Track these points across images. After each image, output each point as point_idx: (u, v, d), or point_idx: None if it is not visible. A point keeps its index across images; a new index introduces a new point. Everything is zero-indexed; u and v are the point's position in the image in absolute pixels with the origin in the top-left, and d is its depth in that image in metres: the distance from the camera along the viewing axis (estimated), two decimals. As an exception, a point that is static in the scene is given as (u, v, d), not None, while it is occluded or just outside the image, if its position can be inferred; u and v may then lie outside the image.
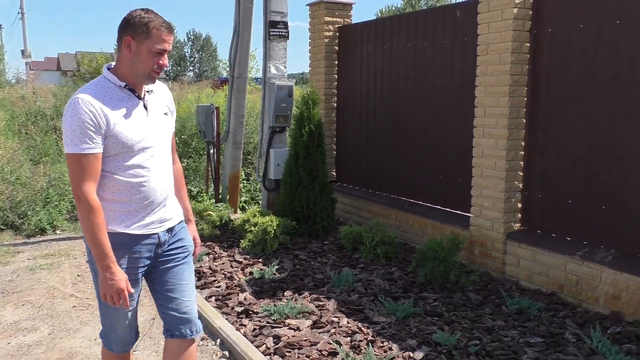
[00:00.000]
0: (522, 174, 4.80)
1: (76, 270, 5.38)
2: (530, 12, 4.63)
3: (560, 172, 4.52)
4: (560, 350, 3.48)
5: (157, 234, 2.41)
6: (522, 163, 4.79)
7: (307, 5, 7.37)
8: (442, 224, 5.44)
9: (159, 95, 2.47)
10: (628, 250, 4.08)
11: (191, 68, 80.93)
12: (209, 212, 6.35)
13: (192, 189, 8.50)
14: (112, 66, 2.35)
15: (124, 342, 2.57)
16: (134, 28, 2.24)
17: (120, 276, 2.25)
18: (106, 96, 2.25)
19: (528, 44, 4.66)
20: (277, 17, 6.72)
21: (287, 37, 6.82)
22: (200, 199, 7.68)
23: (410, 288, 4.60)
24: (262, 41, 6.83)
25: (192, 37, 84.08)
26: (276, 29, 6.74)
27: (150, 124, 2.36)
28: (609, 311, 3.98)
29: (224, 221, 6.40)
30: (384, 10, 43.29)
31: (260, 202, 7.65)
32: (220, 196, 7.83)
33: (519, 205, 4.84)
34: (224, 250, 5.63)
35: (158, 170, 2.37)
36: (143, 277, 2.50)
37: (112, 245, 2.26)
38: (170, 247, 2.50)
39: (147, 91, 2.40)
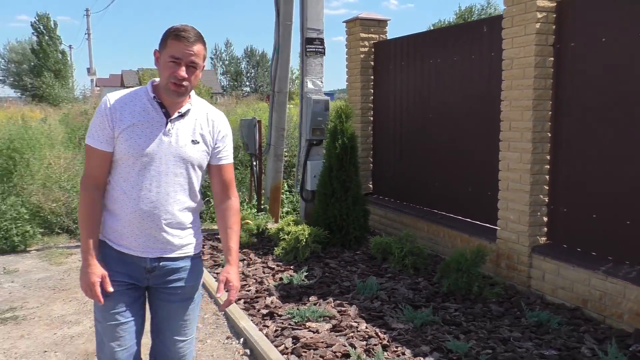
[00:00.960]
0: (547, 187, 4.83)
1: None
2: (554, 27, 4.69)
3: (585, 186, 4.53)
4: (573, 362, 3.52)
5: (145, 258, 2.30)
6: (547, 177, 4.82)
7: (343, 22, 7.61)
8: (471, 237, 5.51)
9: (197, 121, 2.32)
10: (651, 265, 4.06)
11: (247, 83, 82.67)
12: (247, 220, 6.62)
13: (236, 199, 8.80)
14: (156, 82, 2.32)
15: None
16: (160, 41, 2.23)
17: (95, 270, 2.21)
18: (131, 102, 2.24)
19: (552, 58, 4.72)
20: (314, 34, 6.98)
21: (324, 53, 7.06)
22: (241, 209, 7.98)
23: (434, 298, 4.70)
24: (299, 57, 7.10)
25: (249, 53, 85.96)
26: (312, 46, 6.99)
27: (164, 145, 2.24)
28: (633, 328, 3.96)
29: (260, 229, 6.66)
30: (436, 24, 43.20)
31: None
32: (262, 206, 8.11)
33: (545, 219, 4.87)
34: (258, 257, 5.88)
35: (155, 193, 2.23)
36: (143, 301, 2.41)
37: (103, 254, 2.28)
38: (166, 284, 2.36)
39: (180, 113, 2.28)
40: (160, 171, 2.24)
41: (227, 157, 2.43)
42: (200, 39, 2.20)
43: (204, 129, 2.33)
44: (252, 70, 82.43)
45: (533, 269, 4.80)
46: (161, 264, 2.32)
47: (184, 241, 2.36)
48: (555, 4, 4.70)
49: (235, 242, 2.46)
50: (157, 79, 2.31)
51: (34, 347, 3.97)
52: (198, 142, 2.30)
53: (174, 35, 2.16)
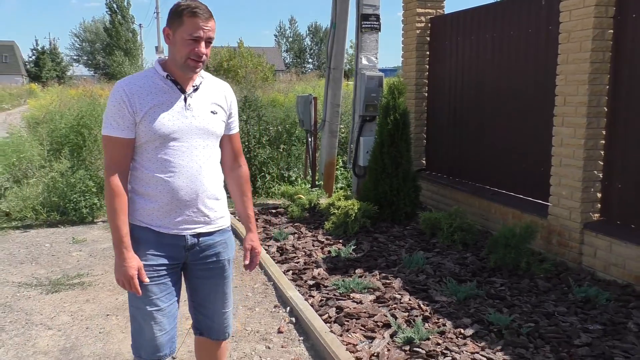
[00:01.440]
0: (602, 163, 4.72)
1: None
2: (614, -2, 4.53)
3: (641, 161, 4.40)
4: (618, 338, 3.48)
5: (185, 235, 2.33)
6: (602, 152, 4.70)
7: (400, -3, 7.55)
8: (522, 213, 5.45)
9: (211, 92, 2.38)
10: None
11: (310, 60, 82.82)
12: (300, 195, 6.78)
13: (292, 174, 9.00)
14: (163, 59, 2.34)
15: (152, 349, 2.34)
16: (171, 18, 2.22)
17: (132, 263, 2.21)
18: (145, 84, 2.24)
19: (611, 31, 4.56)
20: (369, 10, 6.97)
21: (379, 30, 7.05)
22: (296, 184, 8.15)
23: (480, 273, 4.71)
24: (355, 33, 7.12)
25: (312, 30, 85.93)
26: (368, 22, 6.99)
27: (187, 119, 2.27)
28: (684, 305, 3.87)
29: (312, 204, 6.80)
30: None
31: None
32: (316, 182, 8.25)
33: (599, 195, 4.76)
34: (309, 231, 6.03)
35: (188, 168, 2.27)
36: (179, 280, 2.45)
37: (138, 239, 2.28)
38: (204, 259, 2.42)
39: (194, 86, 2.32)
40: (190, 146, 2.27)
41: (236, 126, 2.52)
42: (211, 14, 2.24)
43: (219, 99, 2.40)
44: (316, 47, 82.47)
45: (584, 246, 4.72)
46: (200, 239, 2.37)
47: (219, 214, 2.42)
48: (616, -27, 4.53)
49: (252, 209, 2.62)
50: (164, 57, 2.36)
51: (97, 310, 4.28)
52: (216, 113, 2.36)
53: (190, 13, 2.17)
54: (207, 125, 2.32)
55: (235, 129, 2.52)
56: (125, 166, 2.25)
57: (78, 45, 69.97)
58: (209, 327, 2.55)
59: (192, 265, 2.43)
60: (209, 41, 2.23)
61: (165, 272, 2.33)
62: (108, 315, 4.19)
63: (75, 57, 70.66)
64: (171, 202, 2.27)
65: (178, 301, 2.44)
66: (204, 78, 2.38)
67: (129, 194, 2.28)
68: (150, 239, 2.29)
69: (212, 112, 2.35)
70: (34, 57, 64.18)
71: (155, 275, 2.30)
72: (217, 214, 2.41)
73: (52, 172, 6.99)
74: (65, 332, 3.90)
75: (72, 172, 6.92)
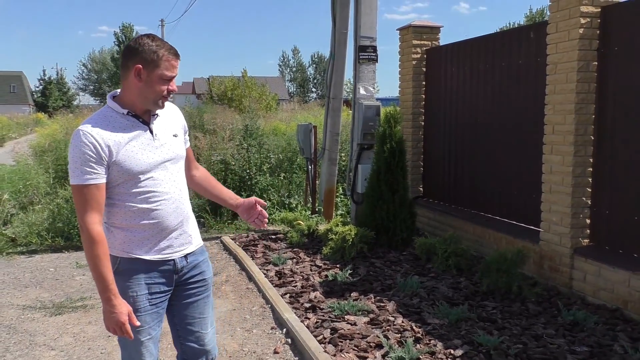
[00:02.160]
0: (589, 190, 4.86)
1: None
2: (598, 32, 4.73)
3: (627, 188, 4.54)
4: (603, 360, 3.59)
5: (174, 259, 2.38)
6: (590, 179, 4.86)
7: (397, 29, 7.80)
8: (515, 238, 5.58)
9: (167, 117, 2.44)
10: (691, 267, 4.05)
11: (313, 89, 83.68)
12: (299, 221, 6.92)
13: (293, 202, 9.15)
14: (117, 94, 2.34)
15: None
16: (142, 57, 2.22)
17: (121, 309, 2.19)
18: (108, 125, 2.23)
19: (595, 63, 4.76)
20: (367, 42, 7.21)
21: (376, 61, 7.28)
22: (296, 211, 8.31)
23: (473, 297, 4.82)
24: (352, 64, 7.35)
25: (316, 60, 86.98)
26: (365, 53, 7.23)
27: (158, 150, 2.32)
28: (670, 328, 3.98)
29: (311, 230, 6.94)
30: (504, 27, 42.36)
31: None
32: (316, 209, 8.41)
33: (587, 221, 4.90)
34: (307, 256, 6.17)
35: (171, 193, 2.33)
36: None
37: (127, 271, 2.28)
38: (190, 279, 2.48)
39: (154, 115, 2.36)
40: (167, 173, 2.33)
41: (187, 140, 2.61)
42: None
43: (174, 121, 2.47)
44: (319, 77, 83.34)
45: (575, 270, 4.84)
46: (188, 259, 2.44)
47: (196, 232, 2.53)
48: (599, 10, 4.74)
49: (224, 188, 2.76)
50: (117, 92, 2.36)
51: (100, 332, 4.41)
52: (177, 135, 2.43)
53: (167, 56, 2.24)
54: (175, 149, 2.39)
55: (188, 142, 2.59)
56: (101, 211, 2.21)
57: (86, 76, 71.06)
58: (196, 353, 2.55)
59: (181, 288, 2.46)
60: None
61: (158, 300, 2.37)
62: (109, 336, 4.30)
63: (82, 87, 71.69)
64: (160, 229, 2.31)
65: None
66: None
67: (108, 228, 2.29)
68: (139, 269, 2.31)
69: (173, 135, 2.42)
70: (41, 86, 65.12)
71: (148, 304, 2.33)
72: (196, 232, 2.52)
73: (57, 198, 7.18)
74: (68, 352, 4.02)
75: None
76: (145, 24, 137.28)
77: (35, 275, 5.88)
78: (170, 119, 2.46)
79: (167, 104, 2.45)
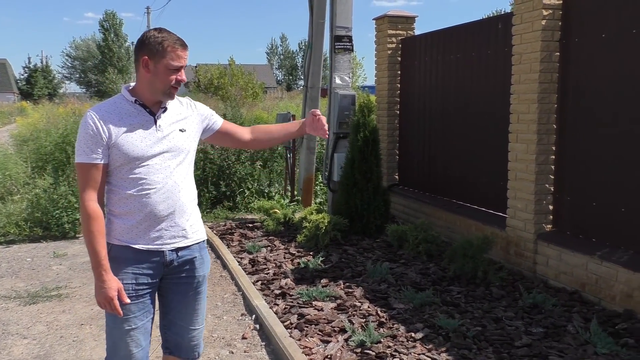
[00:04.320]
0: (552, 177, 5.00)
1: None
2: (560, 23, 4.84)
3: (587, 175, 4.68)
4: (557, 340, 3.74)
5: (163, 251, 2.41)
6: (552, 167, 4.99)
7: (372, 19, 7.88)
8: (484, 225, 5.71)
9: (178, 112, 2.49)
10: (645, 251, 4.21)
11: (301, 77, 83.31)
12: (275, 209, 7.02)
13: (273, 190, 9.25)
14: (131, 86, 2.43)
15: None
16: (149, 48, 2.31)
17: (112, 284, 2.27)
18: (115, 110, 2.33)
19: (557, 53, 4.87)
20: (342, 32, 7.28)
21: (352, 50, 7.36)
22: (275, 200, 8.40)
23: (440, 282, 4.96)
24: (328, 54, 7.42)
25: (303, 47, 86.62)
26: (341, 43, 7.30)
27: (159, 139, 2.37)
28: (623, 309, 4.13)
29: (287, 218, 7.05)
30: (490, 15, 42.43)
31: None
32: (295, 197, 8.51)
33: (551, 207, 5.04)
34: (282, 244, 6.28)
35: (164, 184, 2.37)
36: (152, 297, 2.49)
37: (117, 258, 2.34)
38: (180, 274, 2.50)
39: (163, 108, 2.43)
40: (163, 164, 2.37)
41: (219, 118, 2.68)
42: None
43: (185, 115, 2.51)
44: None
45: (538, 255, 4.99)
46: (179, 254, 2.45)
47: (195, 227, 2.50)
48: (561, 2, 4.85)
49: (287, 125, 2.80)
50: (132, 84, 2.44)
51: (72, 320, 4.50)
52: (185, 130, 2.47)
53: (172, 46, 2.32)
54: (177, 143, 2.42)
55: (220, 119, 2.67)
56: (100, 190, 2.31)
57: (70, 64, 70.36)
58: (178, 344, 2.58)
59: (168, 280, 2.49)
60: (184, 68, 2.40)
61: (144, 291, 2.39)
62: (82, 324, 4.40)
63: (67, 75, 71.00)
64: (149, 218, 2.35)
65: (153, 317, 2.50)
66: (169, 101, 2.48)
67: (106, 215, 2.36)
68: (129, 257, 2.35)
69: (180, 130, 2.45)
70: (26, 74, 64.41)
71: (134, 294, 2.36)
72: (194, 227, 2.50)
73: (36, 188, 7.22)
74: (40, 340, 4.11)
75: (54, 188, 7.14)
76: (132, 10, 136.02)
77: (11, 265, 5.94)
78: (182, 115, 2.51)
79: (185, 99, 2.57)
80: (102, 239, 2.29)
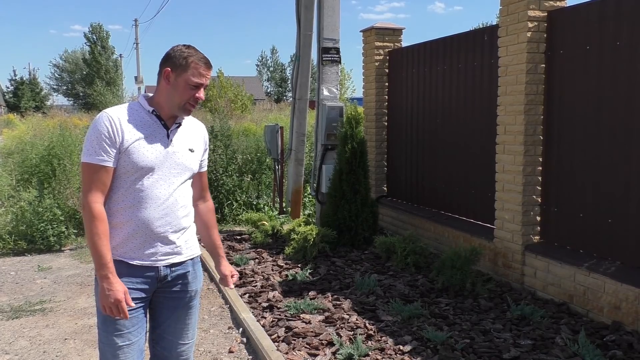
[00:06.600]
0: (540, 188, 5.01)
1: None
2: (545, 35, 4.88)
3: (573, 186, 4.70)
4: (545, 352, 3.72)
5: (158, 267, 2.38)
6: (539, 178, 5.01)
7: (360, 31, 7.91)
8: (472, 236, 5.71)
9: (190, 131, 2.49)
10: (631, 262, 4.21)
11: (291, 89, 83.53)
12: (263, 221, 6.99)
13: (261, 202, 9.20)
14: (149, 96, 2.42)
15: None
16: (173, 61, 2.32)
17: (118, 287, 2.22)
18: (131, 115, 2.31)
19: (543, 65, 4.91)
20: (330, 44, 7.29)
21: (339, 62, 7.37)
22: (264, 211, 8.37)
23: (428, 294, 4.94)
24: (316, 66, 7.43)
25: (293, 59, 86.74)
26: (328, 55, 7.31)
27: (168, 155, 2.35)
28: (611, 321, 4.13)
29: (275, 230, 7.01)
30: (477, 27, 42.90)
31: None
32: (284, 209, 8.47)
33: (538, 218, 5.05)
34: (270, 256, 6.24)
35: (163, 199, 2.34)
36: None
37: None
38: (172, 288, 2.46)
39: (177, 124, 2.42)
40: (166, 179, 2.35)
41: (206, 164, 2.65)
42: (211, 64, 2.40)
43: (197, 139, 2.51)
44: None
45: (526, 267, 4.98)
46: (172, 269, 2.42)
47: (189, 243, 2.48)
48: (546, 14, 4.89)
49: (219, 239, 2.72)
50: (150, 94, 2.43)
51: (56, 335, 4.42)
52: (194, 151, 2.47)
53: (196, 63, 2.32)
54: (184, 161, 2.41)
55: (205, 167, 2.63)
56: (105, 193, 2.27)
57: (58, 75, 70.00)
58: (165, 359, 2.54)
59: (160, 294, 2.46)
60: (205, 87, 2.40)
61: (138, 305, 2.36)
62: (66, 339, 4.33)
63: (54, 87, 70.63)
64: (144, 232, 2.32)
65: (146, 334, 2.47)
66: (184, 117, 2.47)
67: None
68: (122, 273, 2.29)
69: (190, 149, 2.45)
70: (12, 87, 63.97)
71: (128, 309, 2.30)
72: (188, 243, 2.48)
73: (21, 201, 7.14)
74: (22, 356, 4.04)
75: (39, 201, 7.06)
76: (119, 22, 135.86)
77: (-5, 279, 5.86)
78: (193, 135, 2.51)
79: (195, 121, 2.56)
80: (107, 240, 2.24)
